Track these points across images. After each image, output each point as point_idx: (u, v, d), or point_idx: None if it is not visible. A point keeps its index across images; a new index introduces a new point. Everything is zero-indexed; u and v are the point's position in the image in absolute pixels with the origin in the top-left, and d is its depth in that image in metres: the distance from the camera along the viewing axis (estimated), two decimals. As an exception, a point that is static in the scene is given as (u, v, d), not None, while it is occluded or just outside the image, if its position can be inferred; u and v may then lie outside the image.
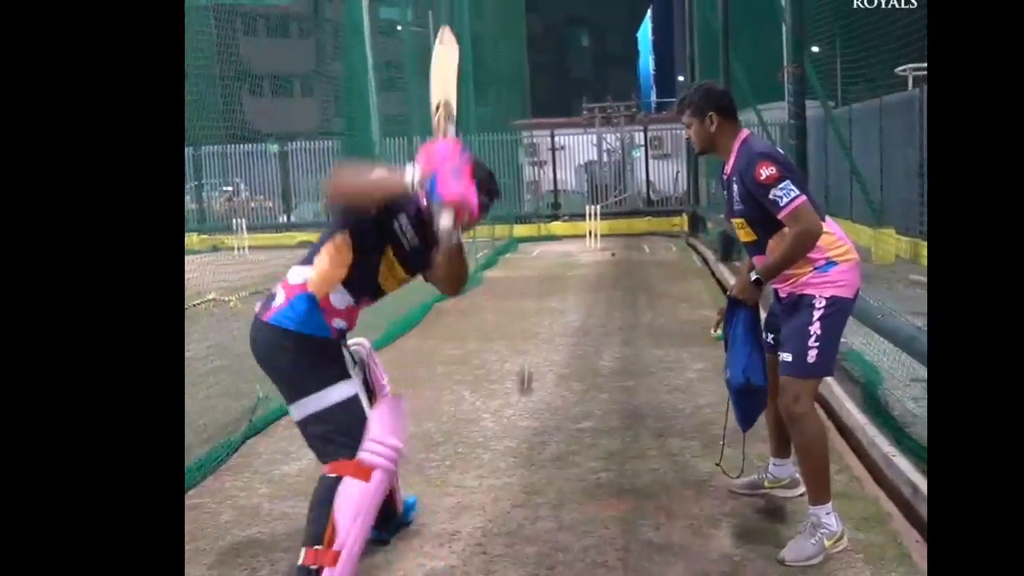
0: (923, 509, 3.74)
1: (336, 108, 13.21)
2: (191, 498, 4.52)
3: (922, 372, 5.32)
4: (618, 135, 23.88)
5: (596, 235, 18.54)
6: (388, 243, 3.33)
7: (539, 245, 19.28)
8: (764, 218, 3.57)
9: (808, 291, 3.59)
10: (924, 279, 10.01)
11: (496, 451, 5.05)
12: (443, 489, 4.47)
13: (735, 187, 3.66)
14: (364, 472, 3.15)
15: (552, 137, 23.56)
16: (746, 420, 3.86)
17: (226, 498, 4.54)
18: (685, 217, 20.33)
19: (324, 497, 3.12)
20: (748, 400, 3.78)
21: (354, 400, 3.25)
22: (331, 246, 3.29)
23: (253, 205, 24.36)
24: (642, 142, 23.87)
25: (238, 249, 17.85)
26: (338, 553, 3.05)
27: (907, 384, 5.47)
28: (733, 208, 3.71)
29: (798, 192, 3.45)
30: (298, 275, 3.29)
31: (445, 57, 3.53)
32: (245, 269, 10.05)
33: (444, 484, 4.55)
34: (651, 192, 23.66)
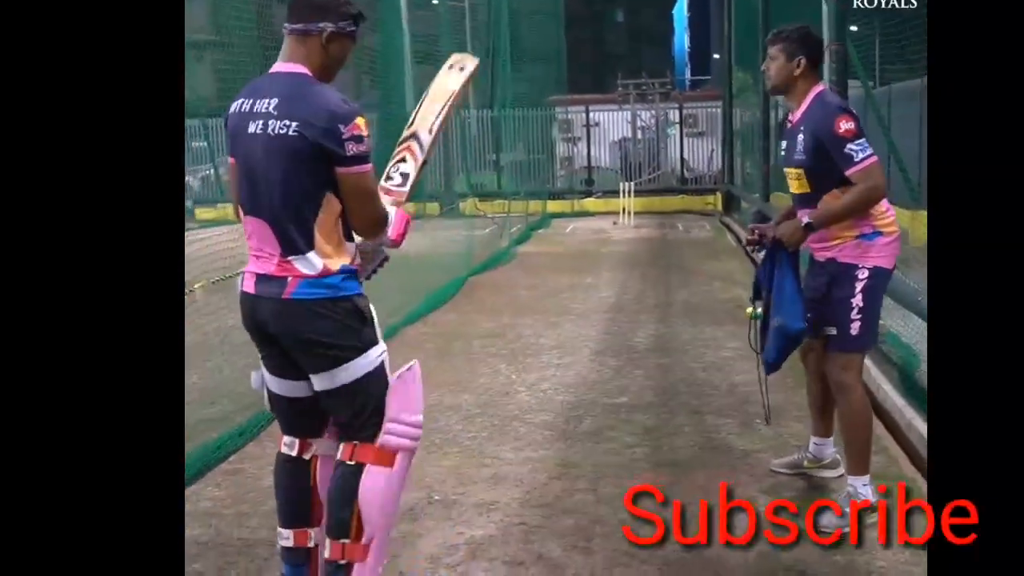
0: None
1: (372, 80, 13.21)
2: (232, 463, 4.60)
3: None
4: (652, 112, 23.73)
5: (630, 212, 18.48)
6: None
7: (572, 221, 19.25)
8: (825, 172, 3.59)
9: (850, 261, 3.63)
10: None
11: (532, 424, 5.09)
12: (480, 460, 4.52)
13: (800, 136, 3.67)
14: (386, 457, 2.84)
15: (587, 113, 23.45)
16: (779, 362, 3.86)
17: (268, 463, 4.55)
18: (719, 196, 20.21)
19: (346, 487, 2.84)
20: (791, 344, 3.78)
21: (383, 368, 2.86)
22: (324, 218, 2.73)
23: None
24: (677, 119, 23.71)
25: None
26: (367, 546, 2.85)
27: (945, 367, 5.44)
28: (793, 157, 3.72)
29: (871, 151, 3.50)
30: (302, 254, 2.72)
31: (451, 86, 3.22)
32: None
33: (481, 455, 4.60)
34: (685, 170, 23.52)
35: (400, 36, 11.54)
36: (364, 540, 2.84)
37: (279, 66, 2.78)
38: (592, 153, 23.53)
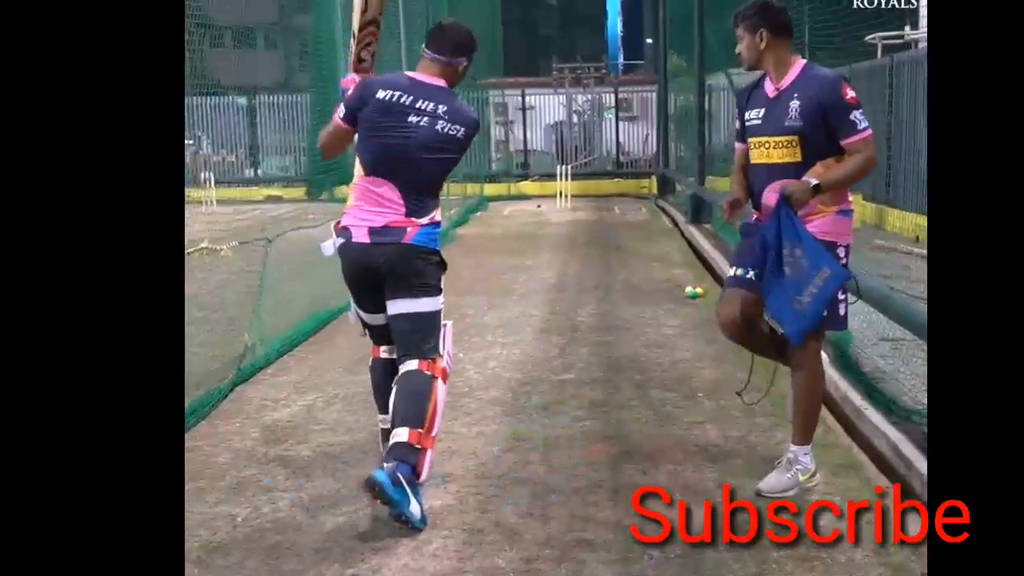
0: (892, 458, 3.98)
1: (301, 62, 13.11)
2: (185, 441, 4.62)
3: (890, 331, 5.55)
4: (588, 96, 23.91)
5: (567, 195, 18.66)
6: None
7: (509, 204, 19.36)
8: (822, 140, 3.56)
9: (830, 239, 3.60)
10: (888, 244, 10.27)
11: (482, 400, 5.20)
12: (433, 435, 4.61)
13: (794, 103, 3.60)
14: (446, 376, 3.77)
15: (523, 97, 23.54)
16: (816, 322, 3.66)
17: (221, 441, 4.65)
18: (654, 179, 20.50)
19: (424, 389, 3.61)
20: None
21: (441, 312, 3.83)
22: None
23: (216, 159, 24.16)
24: (611, 104, 23.94)
25: (206, 202, 17.84)
26: (434, 439, 3.63)
27: (876, 343, 5.69)
28: (784, 124, 3.61)
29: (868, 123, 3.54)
30: (425, 214, 3.72)
31: None
32: (214, 222, 10.08)
33: (434, 430, 4.68)
34: (620, 154, 23.78)
35: (333, 16, 11.45)
36: (433, 433, 3.60)
37: (425, 77, 3.72)
38: (527, 136, 23.65)
